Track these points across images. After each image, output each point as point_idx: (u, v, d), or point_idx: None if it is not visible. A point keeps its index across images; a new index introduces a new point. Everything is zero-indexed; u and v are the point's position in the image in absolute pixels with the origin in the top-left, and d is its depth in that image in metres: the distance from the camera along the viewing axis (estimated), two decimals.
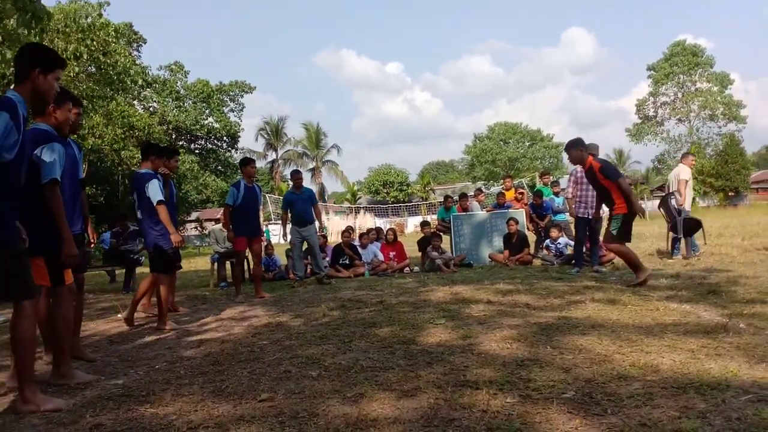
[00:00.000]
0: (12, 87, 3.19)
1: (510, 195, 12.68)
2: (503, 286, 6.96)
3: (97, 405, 3.06)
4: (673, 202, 9.55)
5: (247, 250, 8.01)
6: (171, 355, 4.32)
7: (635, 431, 2.29)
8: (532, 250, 10.90)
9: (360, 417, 2.62)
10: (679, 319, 4.42)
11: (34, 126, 3.65)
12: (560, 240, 10.13)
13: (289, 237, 9.35)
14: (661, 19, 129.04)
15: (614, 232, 6.63)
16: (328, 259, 10.33)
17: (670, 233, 9.71)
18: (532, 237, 11.52)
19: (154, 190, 5.51)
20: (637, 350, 3.54)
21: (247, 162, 8.21)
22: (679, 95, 52.33)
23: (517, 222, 10.62)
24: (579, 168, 7.91)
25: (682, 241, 9.44)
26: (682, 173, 9.67)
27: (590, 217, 8.28)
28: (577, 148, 7.03)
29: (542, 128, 61.67)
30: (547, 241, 10.44)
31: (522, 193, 13.16)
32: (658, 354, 3.42)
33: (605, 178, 6.72)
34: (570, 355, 3.52)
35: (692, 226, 9.38)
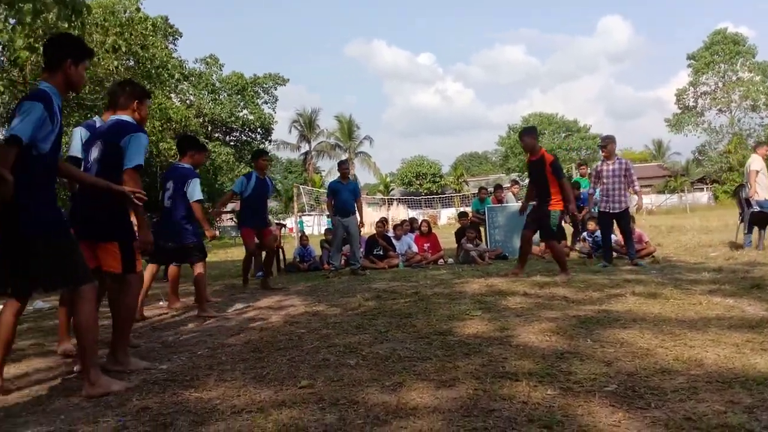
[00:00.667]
0: (42, 77, 3.20)
1: None
2: (540, 279, 6.89)
3: (143, 389, 3.15)
4: (743, 193, 9.31)
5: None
6: (212, 342, 4.42)
7: (680, 425, 2.25)
8: (569, 242, 10.76)
9: (399, 405, 2.64)
10: (723, 314, 4.32)
11: (119, 118, 3.75)
12: (598, 232, 9.96)
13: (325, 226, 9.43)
14: (700, 6, 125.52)
15: (555, 229, 7.32)
16: (362, 250, 10.38)
17: (741, 225, 9.43)
18: (569, 229, 11.37)
19: (195, 189, 5.77)
20: (680, 344, 3.47)
21: (259, 154, 8.19)
22: (720, 85, 50.72)
23: None
24: (599, 163, 8.70)
25: (755, 232, 9.20)
26: (753, 163, 9.33)
27: (612, 211, 8.27)
28: (530, 136, 7.43)
29: (578, 119, 60.64)
30: (585, 233, 10.29)
31: None
32: (702, 348, 3.35)
33: (552, 173, 7.09)
34: (611, 348, 3.47)
35: (764, 218, 9.10)
